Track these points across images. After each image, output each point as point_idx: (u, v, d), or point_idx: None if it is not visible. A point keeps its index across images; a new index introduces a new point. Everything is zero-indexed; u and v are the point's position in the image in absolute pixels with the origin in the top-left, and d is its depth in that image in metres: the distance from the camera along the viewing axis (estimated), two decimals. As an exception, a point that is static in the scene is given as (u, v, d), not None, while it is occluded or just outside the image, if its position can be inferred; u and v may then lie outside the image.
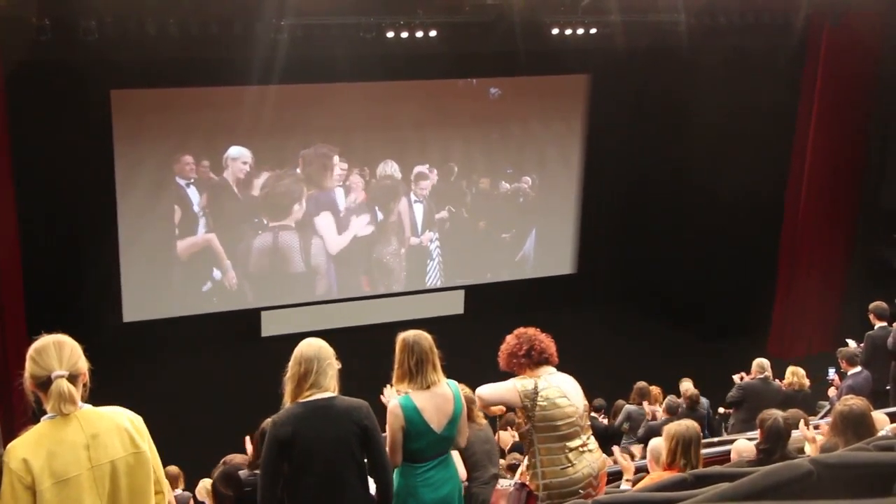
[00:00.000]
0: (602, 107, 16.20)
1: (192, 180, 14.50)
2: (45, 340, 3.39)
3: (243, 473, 5.87)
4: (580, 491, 5.09)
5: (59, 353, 3.36)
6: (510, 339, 5.30)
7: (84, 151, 13.36)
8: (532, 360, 5.19)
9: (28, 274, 12.04)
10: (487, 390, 5.20)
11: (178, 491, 8.06)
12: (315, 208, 15.36)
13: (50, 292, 12.82)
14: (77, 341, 3.48)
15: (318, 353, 4.41)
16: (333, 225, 15.54)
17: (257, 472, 5.67)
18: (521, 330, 5.33)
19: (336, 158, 15.27)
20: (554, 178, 17.02)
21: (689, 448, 5.40)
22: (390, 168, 15.76)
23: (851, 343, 10.43)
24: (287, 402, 4.42)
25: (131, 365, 13.00)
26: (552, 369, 5.26)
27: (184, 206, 14.58)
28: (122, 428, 3.46)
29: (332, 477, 4.35)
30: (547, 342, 5.27)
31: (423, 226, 16.23)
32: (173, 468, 8.18)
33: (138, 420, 3.57)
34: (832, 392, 9.86)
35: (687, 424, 5.53)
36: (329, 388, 4.39)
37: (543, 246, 17.25)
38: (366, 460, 4.50)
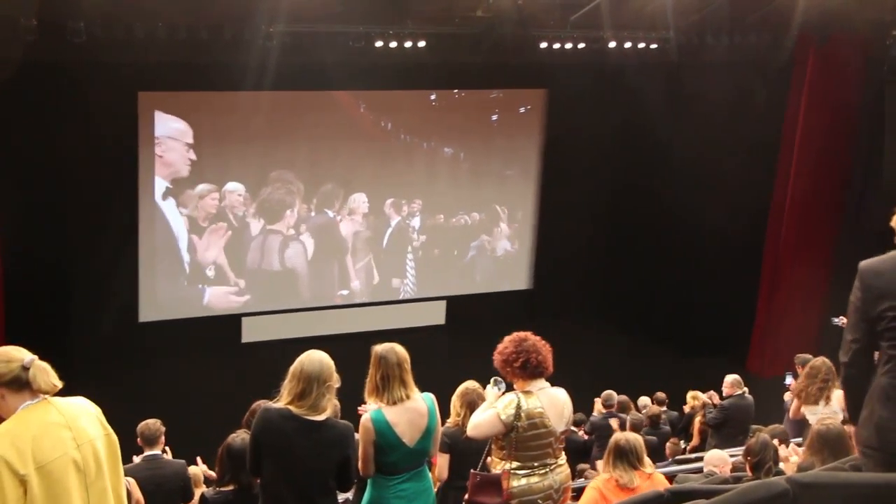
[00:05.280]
0: (585, 120, 16.07)
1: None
2: None
3: (209, 492, 5.79)
4: (539, 501, 5.09)
5: (18, 350, 3.40)
6: (508, 345, 5.19)
7: (99, 152, 13.48)
8: (526, 372, 5.14)
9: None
10: (474, 430, 5.17)
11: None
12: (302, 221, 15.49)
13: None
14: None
15: (319, 374, 4.36)
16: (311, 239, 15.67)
17: (223, 489, 5.63)
18: (521, 336, 5.22)
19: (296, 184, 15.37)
20: (524, 192, 17.10)
21: (620, 457, 5.46)
22: (361, 196, 15.87)
23: (837, 321, 10.45)
24: (282, 402, 4.39)
25: (120, 367, 13.15)
26: (544, 383, 5.21)
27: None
28: (91, 412, 3.50)
29: (304, 497, 4.39)
30: (544, 353, 5.19)
31: (391, 240, 16.26)
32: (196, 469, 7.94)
33: (98, 409, 3.59)
34: (787, 396, 9.86)
35: (628, 437, 5.60)
36: (325, 409, 4.38)
37: (525, 258, 17.31)
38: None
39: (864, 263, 3.85)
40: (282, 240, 15.37)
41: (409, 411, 4.83)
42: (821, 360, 8.44)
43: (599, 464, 8.86)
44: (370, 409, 4.92)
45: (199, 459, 7.77)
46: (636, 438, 5.62)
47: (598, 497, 5.41)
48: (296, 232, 15.43)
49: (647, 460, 5.61)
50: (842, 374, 3.89)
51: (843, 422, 6.01)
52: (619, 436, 5.66)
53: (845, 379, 3.86)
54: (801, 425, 8.33)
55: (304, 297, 15.72)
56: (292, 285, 15.62)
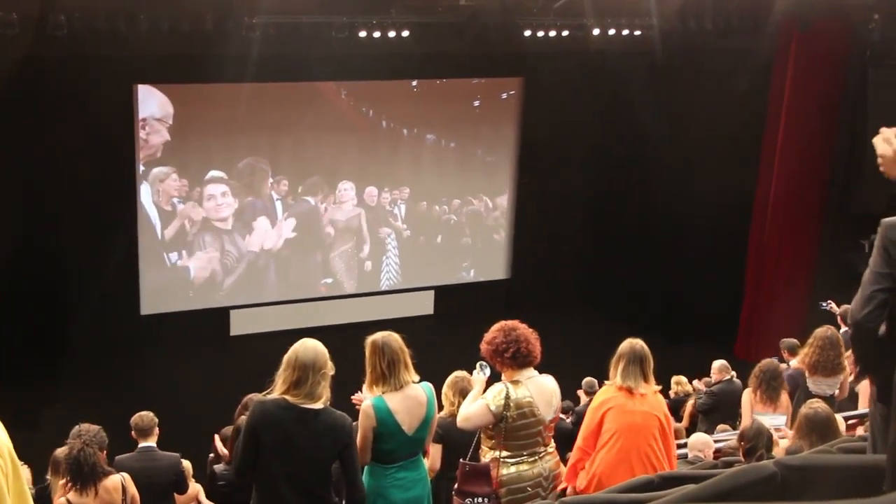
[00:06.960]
0: (568, 108, 15.99)
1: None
2: None
3: (219, 468, 5.82)
4: (528, 489, 5.11)
5: None
6: (497, 335, 5.20)
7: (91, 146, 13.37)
8: (516, 362, 5.15)
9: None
10: (464, 423, 5.18)
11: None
12: (255, 212, 15.33)
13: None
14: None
15: (314, 362, 4.34)
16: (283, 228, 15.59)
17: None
18: (510, 326, 5.23)
19: (271, 172, 15.25)
20: (506, 179, 17.06)
21: (633, 362, 5.69)
22: (346, 185, 15.79)
23: (825, 305, 10.47)
24: (276, 392, 4.37)
25: (110, 361, 13.14)
26: (532, 371, 5.23)
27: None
28: None
29: (302, 488, 4.36)
30: (533, 342, 5.21)
31: (376, 229, 16.20)
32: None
33: None
34: None
35: (643, 345, 5.86)
36: (321, 397, 4.36)
37: (510, 247, 17.31)
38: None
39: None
40: (265, 230, 15.30)
41: (409, 399, 4.84)
42: (831, 330, 8.40)
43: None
44: (366, 396, 4.92)
45: (216, 437, 7.75)
46: (648, 350, 5.75)
47: (598, 415, 5.49)
48: (280, 222, 15.38)
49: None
50: (857, 329, 3.52)
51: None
52: (633, 341, 5.79)
53: (862, 333, 3.48)
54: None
55: (291, 289, 15.68)
56: (279, 277, 15.57)
